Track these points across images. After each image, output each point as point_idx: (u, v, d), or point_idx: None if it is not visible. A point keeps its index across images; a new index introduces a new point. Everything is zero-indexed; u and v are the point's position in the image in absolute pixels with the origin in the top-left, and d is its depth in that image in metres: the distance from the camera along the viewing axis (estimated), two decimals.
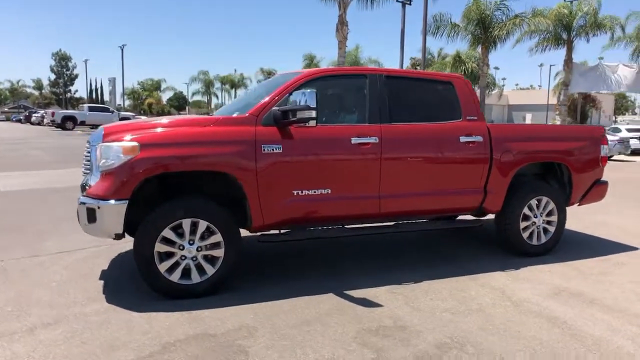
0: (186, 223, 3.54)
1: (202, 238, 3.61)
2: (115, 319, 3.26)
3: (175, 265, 3.58)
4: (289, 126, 3.77)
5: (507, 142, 4.58)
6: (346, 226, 4.25)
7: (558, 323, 3.30)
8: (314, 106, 3.49)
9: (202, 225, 3.58)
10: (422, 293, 3.83)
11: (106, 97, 71.96)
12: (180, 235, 3.56)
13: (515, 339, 3.05)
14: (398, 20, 21.72)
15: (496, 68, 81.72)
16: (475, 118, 4.54)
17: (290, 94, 3.86)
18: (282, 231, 4.02)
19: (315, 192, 3.89)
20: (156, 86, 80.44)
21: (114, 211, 3.38)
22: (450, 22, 24.25)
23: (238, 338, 3.00)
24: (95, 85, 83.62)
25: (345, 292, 3.82)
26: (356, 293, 3.80)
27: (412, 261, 4.67)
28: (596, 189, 5.18)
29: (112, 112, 34.63)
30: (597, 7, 22.57)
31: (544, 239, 4.91)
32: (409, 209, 4.32)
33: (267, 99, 3.86)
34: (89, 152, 3.76)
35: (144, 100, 74.29)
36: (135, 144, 3.41)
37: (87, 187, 3.55)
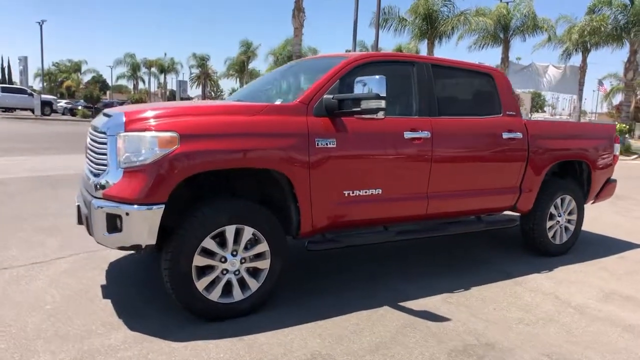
0: (230, 231, 2.95)
1: (245, 248, 3.04)
2: (153, 352, 2.61)
3: (215, 280, 2.98)
4: (341, 117, 3.29)
5: (542, 140, 4.42)
6: (391, 229, 3.83)
7: (636, 332, 3.17)
8: (384, 95, 3.03)
9: (247, 233, 3.01)
10: (480, 302, 3.54)
11: (15, 78, 64.81)
12: (221, 245, 2.96)
13: (612, 353, 2.85)
14: (336, 9, 21.45)
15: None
16: (514, 113, 4.33)
17: (343, 80, 3.38)
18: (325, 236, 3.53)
19: (366, 192, 3.44)
20: (75, 68, 73.94)
21: (147, 218, 2.70)
22: (399, 16, 24.45)
23: None
24: (2, 65, 75.10)
25: (400, 303, 3.43)
26: (413, 304, 3.43)
27: (449, 265, 4.38)
28: (608, 187, 5.23)
29: (31, 94, 31.07)
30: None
31: (565, 238, 4.86)
32: (453, 209, 4.01)
33: (315, 85, 3.33)
34: (97, 143, 3.00)
35: (62, 83, 68.05)
36: (173, 134, 2.74)
37: (98, 187, 2.82)
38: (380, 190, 3.50)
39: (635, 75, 22.41)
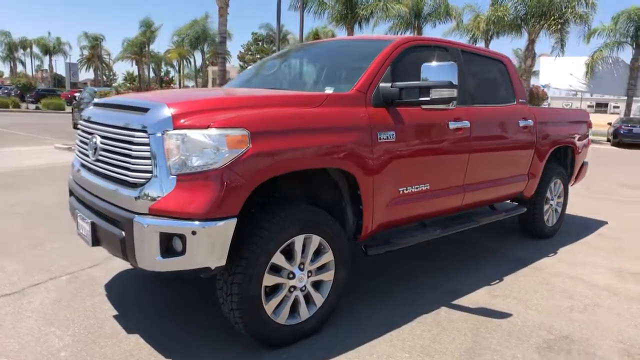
0: (299, 242, 2.54)
1: (311, 260, 2.66)
2: None
3: (282, 300, 2.56)
4: (397, 107, 3.00)
5: (545, 127, 4.53)
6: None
7: None
8: (456, 83, 2.79)
9: (315, 242, 2.62)
10: (522, 292, 3.53)
11: None
12: (288, 259, 2.54)
13: None
14: None
15: None
16: (524, 101, 4.36)
17: (394, 65, 3.08)
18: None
19: (417, 188, 3.21)
20: None
21: (219, 236, 2.20)
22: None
23: None
24: None
25: (454, 302, 3.29)
26: (466, 301, 3.30)
27: (467, 257, 4.33)
28: (583, 170, 5.57)
29: None
30: None
31: (554, 221, 5.09)
32: (481, 199, 3.94)
33: (370, 72, 2.98)
34: (125, 143, 2.37)
35: None
36: (244, 131, 2.25)
37: (141, 200, 2.23)
38: (429, 185, 3.29)
39: (533, 63, 24.74)
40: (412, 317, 3.02)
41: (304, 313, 2.65)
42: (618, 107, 27.65)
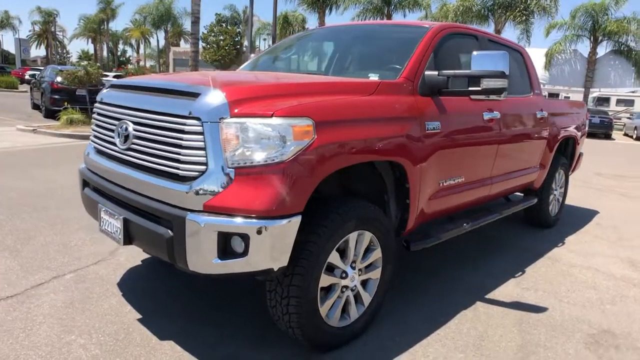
0: (353, 239, 2.38)
1: (361, 257, 2.50)
2: None
3: (335, 301, 2.40)
4: (440, 97, 2.86)
5: (556, 118, 4.54)
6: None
7: None
8: (508, 73, 2.68)
9: (367, 239, 2.47)
10: (547, 284, 3.53)
11: None
12: (342, 257, 2.38)
13: None
14: None
15: None
16: (539, 92, 4.34)
17: (435, 52, 2.93)
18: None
19: (454, 180, 3.11)
20: None
21: (284, 235, 2.00)
22: None
23: None
24: None
25: (487, 296, 3.24)
26: (498, 295, 3.26)
27: (482, 248, 4.31)
28: (580, 160, 5.68)
29: None
30: None
31: (556, 210, 5.16)
32: (503, 189, 3.90)
33: (415, 59, 2.82)
34: (171, 131, 2.10)
35: None
36: (309, 121, 2.04)
37: (194, 195, 1.99)
38: (463, 177, 3.20)
39: None
40: (452, 314, 2.93)
41: (354, 313, 2.51)
42: (569, 97, 28.99)
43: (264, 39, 41.85)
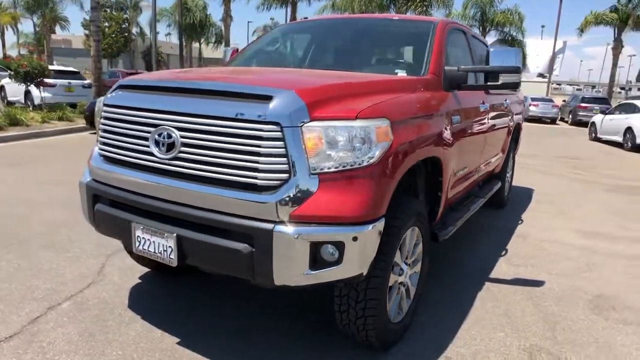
0: (408, 235, 2.41)
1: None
2: None
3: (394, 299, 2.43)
4: (458, 91, 2.99)
5: (512, 106, 4.96)
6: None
7: None
8: (521, 68, 2.87)
9: (416, 234, 2.52)
10: (533, 259, 3.89)
11: None
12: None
13: None
14: None
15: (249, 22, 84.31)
16: None
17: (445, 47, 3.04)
18: None
19: (463, 171, 3.28)
20: None
21: (375, 239, 1.97)
22: None
23: None
24: None
25: (491, 277, 3.49)
26: (498, 273, 3.53)
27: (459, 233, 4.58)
28: (519, 144, 6.27)
29: None
30: None
31: (507, 190, 5.68)
32: (483, 177, 4.19)
33: (436, 55, 2.90)
34: (243, 138, 1.90)
35: None
36: (386, 121, 2.01)
37: (274, 205, 1.86)
38: (467, 168, 3.39)
39: None
40: (471, 297, 3.12)
41: (405, 308, 2.55)
42: None
43: (169, 25, 39.18)
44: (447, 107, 2.77)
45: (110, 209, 2.33)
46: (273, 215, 1.87)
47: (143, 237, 2.18)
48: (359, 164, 1.92)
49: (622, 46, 27.44)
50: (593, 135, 14.72)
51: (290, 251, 1.86)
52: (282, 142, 1.87)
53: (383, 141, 1.97)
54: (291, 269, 1.88)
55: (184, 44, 33.27)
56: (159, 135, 2.09)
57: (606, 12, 26.51)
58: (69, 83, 14.65)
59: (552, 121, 21.50)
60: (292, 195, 1.87)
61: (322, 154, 1.88)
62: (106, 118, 2.36)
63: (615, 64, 28.08)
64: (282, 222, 1.87)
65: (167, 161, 2.08)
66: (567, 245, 4.29)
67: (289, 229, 1.85)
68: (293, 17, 28.83)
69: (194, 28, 33.34)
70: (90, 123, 10.50)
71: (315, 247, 1.89)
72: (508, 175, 5.50)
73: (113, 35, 41.27)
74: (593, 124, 14.89)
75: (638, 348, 2.61)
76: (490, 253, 3.97)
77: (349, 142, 1.91)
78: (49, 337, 2.42)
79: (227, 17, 25.07)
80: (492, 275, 3.52)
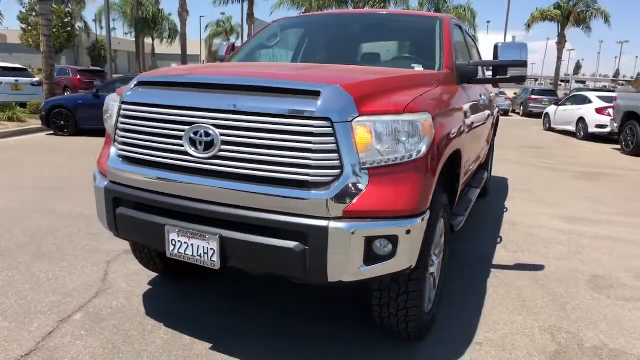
0: (438, 226, 2.45)
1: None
2: None
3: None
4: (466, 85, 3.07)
5: (495, 97, 5.14)
6: None
7: (616, 238, 4.33)
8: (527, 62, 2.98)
9: (443, 225, 2.57)
10: (527, 245, 4.07)
11: None
12: None
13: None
14: None
15: (202, 16, 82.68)
16: None
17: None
18: None
19: (468, 162, 3.35)
20: None
21: (422, 231, 1.99)
22: None
23: None
24: None
25: (494, 264, 3.61)
26: (499, 260, 3.67)
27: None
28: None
29: None
30: None
31: (489, 180, 5.89)
32: (477, 167, 4.32)
33: (448, 50, 2.95)
34: (291, 135, 1.85)
35: None
36: (429, 116, 2.03)
37: (327, 202, 1.84)
38: (472, 158, 3.48)
39: None
40: (482, 283, 3.23)
41: (432, 297, 2.60)
42: None
43: (114, 20, 37.39)
44: (463, 100, 2.83)
45: (137, 213, 2.21)
46: (326, 212, 1.85)
47: (179, 241, 2.09)
48: (408, 158, 1.93)
49: (566, 41, 29.08)
50: (547, 125, 15.52)
51: (346, 247, 1.84)
52: (333, 138, 1.84)
53: (428, 135, 1.99)
54: (346, 266, 1.87)
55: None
56: (195, 133, 2.01)
57: (550, 8, 28.01)
58: (16, 81, 13.79)
59: (505, 113, 22.45)
60: (344, 191, 1.85)
61: (371, 149, 1.88)
62: (127, 117, 2.24)
63: (559, 58, 29.72)
64: (336, 219, 1.85)
65: (205, 160, 2.01)
66: (553, 231, 4.52)
67: (345, 225, 1.84)
68: (250, 13, 28.46)
69: (146, 23, 32.10)
70: (47, 123, 9.95)
71: (369, 242, 1.88)
72: (490, 164, 5.70)
73: (55, 30, 39.01)
74: (547, 114, 15.69)
75: None
76: (488, 241, 4.12)
77: (397, 136, 1.91)
78: (70, 352, 2.28)
79: (183, 12, 24.32)
80: (495, 262, 3.64)
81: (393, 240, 1.89)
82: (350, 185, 1.86)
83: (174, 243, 2.11)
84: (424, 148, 1.96)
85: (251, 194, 1.94)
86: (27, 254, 3.47)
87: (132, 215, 2.23)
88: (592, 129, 12.51)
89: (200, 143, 2.00)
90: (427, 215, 2.00)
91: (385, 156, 1.90)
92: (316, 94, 1.89)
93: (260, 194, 1.92)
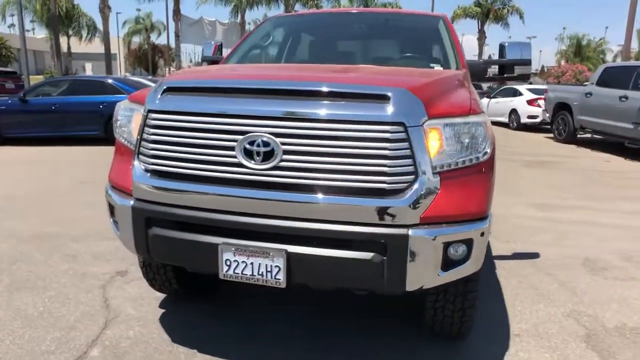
0: None
1: None
2: None
3: None
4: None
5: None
6: None
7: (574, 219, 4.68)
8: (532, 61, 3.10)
9: None
10: (518, 236, 4.27)
11: None
12: None
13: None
14: None
15: (119, 13, 76.75)
16: None
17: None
18: None
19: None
20: None
21: (489, 234, 1.98)
22: None
23: None
24: None
25: (495, 254, 3.74)
26: (498, 251, 3.81)
27: None
28: None
29: None
30: None
31: None
32: None
33: (459, 48, 2.99)
34: (361, 141, 1.76)
35: None
36: (487, 117, 2.03)
37: (405, 209, 1.78)
38: None
39: None
40: (493, 275, 3.34)
41: None
42: None
43: (12, 15, 34.10)
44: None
45: (178, 233, 2.00)
46: (404, 220, 1.79)
47: (235, 260, 1.92)
48: (476, 160, 1.91)
49: (486, 37, 31.09)
50: None
51: (426, 255, 1.80)
52: (407, 143, 1.78)
53: (490, 136, 2.00)
54: (425, 273, 1.83)
55: (48, 37, 29.48)
56: (251, 143, 1.85)
57: (472, 6, 29.78)
58: None
59: None
60: (420, 197, 1.80)
61: (442, 152, 1.85)
62: (157, 127, 2.01)
63: (480, 53, 31.70)
64: (414, 226, 1.80)
65: (264, 172, 1.85)
66: (532, 219, 4.78)
67: (425, 231, 1.79)
68: (177, 8, 27.31)
69: (59, 19, 29.57)
70: None
71: (446, 248, 1.85)
72: None
73: None
74: None
75: None
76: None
77: (466, 138, 1.89)
78: None
79: (104, 7, 22.72)
80: (494, 253, 3.78)
81: (469, 243, 1.87)
82: (425, 190, 1.81)
83: (228, 263, 1.93)
84: (489, 149, 1.96)
85: (321, 205, 1.82)
86: (4, 285, 3.05)
87: (172, 235, 2.01)
88: (524, 120, 13.48)
89: (258, 153, 1.84)
90: (492, 217, 2.01)
91: (454, 159, 1.87)
92: (385, 98, 1.82)
93: (331, 205, 1.81)
